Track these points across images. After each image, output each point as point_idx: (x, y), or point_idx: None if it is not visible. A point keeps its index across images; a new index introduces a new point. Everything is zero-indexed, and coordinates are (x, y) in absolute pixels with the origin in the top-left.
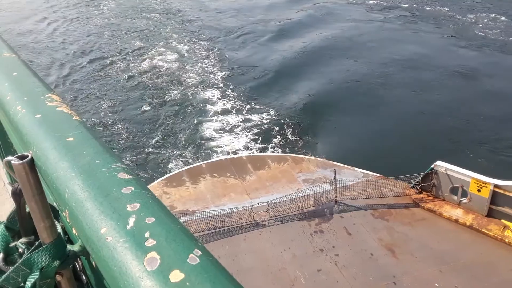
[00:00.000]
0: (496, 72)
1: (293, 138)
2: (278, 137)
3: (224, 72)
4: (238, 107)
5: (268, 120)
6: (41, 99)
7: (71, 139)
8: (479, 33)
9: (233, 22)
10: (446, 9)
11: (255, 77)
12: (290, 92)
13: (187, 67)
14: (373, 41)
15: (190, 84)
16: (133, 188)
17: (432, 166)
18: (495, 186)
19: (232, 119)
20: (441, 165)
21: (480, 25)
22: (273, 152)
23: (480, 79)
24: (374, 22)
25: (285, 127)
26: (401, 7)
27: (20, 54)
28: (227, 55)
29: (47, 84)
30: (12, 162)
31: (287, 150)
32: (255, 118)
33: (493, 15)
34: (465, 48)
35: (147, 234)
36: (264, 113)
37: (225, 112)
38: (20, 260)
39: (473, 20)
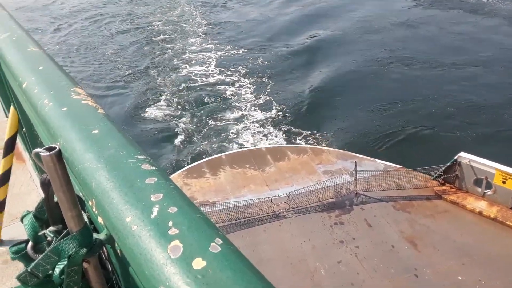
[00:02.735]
0: None
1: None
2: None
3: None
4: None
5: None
6: (67, 93)
7: (96, 131)
8: None
9: None
10: None
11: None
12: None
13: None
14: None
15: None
16: (156, 179)
17: (455, 157)
18: None
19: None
20: (464, 156)
21: None
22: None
23: None
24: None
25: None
26: None
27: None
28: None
29: (72, 78)
30: (41, 153)
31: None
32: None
33: None
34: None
35: (170, 223)
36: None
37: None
38: (49, 248)
39: None
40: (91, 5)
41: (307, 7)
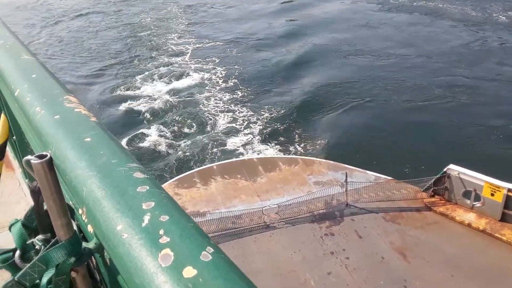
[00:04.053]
0: None
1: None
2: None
3: None
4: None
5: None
6: (59, 101)
7: (88, 139)
8: None
9: None
10: None
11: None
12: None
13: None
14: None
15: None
16: (148, 187)
17: (444, 169)
18: (509, 190)
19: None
20: (453, 169)
21: None
22: (283, 153)
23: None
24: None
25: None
26: None
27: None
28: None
29: (65, 86)
30: (31, 161)
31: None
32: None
33: None
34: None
35: (161, 232)
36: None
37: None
38: (37, 257)
39: None
40: (81, 3)
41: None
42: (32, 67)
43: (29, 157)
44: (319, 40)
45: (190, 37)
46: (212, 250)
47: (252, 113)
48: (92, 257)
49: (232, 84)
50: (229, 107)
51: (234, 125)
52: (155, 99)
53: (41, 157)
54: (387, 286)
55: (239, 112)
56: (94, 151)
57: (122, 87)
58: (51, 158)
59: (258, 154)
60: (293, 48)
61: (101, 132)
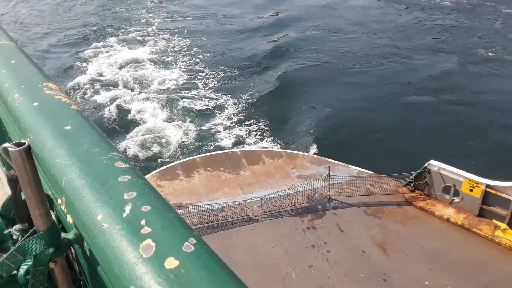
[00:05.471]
0: None
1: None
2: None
3: None
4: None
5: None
6: (38, 87)
7: (68, 127)
8: None
9: None
10: None
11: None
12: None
13: None
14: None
15: None
16: (129, 177)
17: (425, 165)
18: (487, 186)
19: None
20: (434, 164)
21: None
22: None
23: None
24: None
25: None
26: None
27: None
28: None
29: (45, 73)
30: (9, 149)
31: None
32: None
33: None
34: None
35: (143, 222)
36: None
37: None
38: (14, 247)
39: None
40: None
41: None
42: (11, 53)
43: (6, 144)
44: (288, 23)
45: (160, 12)
46: (195, 241)
47: (212, 71)
48: (72, 248)
49: (195, 51)
50: (191, 69)
51: (194, 81)
52: (120, 63)
53: (19, 145)
54: (367, 279)
55: (200, 73)
56: (74, 139)
57: (90, 52)
58: (29, 146)
59: (237, 142)
60: (262, 28)
61: (81, 120)
